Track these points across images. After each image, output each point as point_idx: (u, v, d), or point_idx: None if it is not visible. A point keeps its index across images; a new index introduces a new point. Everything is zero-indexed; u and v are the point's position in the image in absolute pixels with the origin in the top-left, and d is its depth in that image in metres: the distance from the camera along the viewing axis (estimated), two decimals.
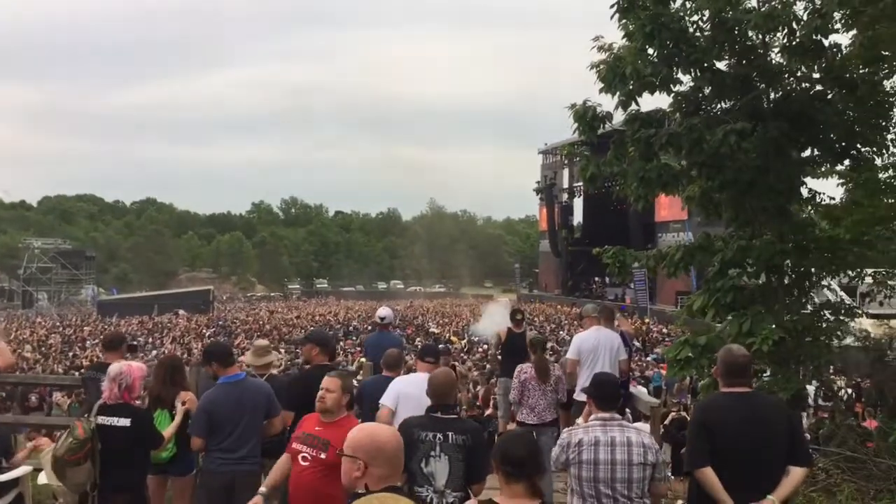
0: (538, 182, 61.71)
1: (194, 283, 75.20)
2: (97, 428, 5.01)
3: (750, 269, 8.10)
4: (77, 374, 15.57)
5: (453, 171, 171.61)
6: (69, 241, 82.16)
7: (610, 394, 4.30)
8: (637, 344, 27.23)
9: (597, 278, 52.73)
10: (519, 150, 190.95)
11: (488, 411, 12.25)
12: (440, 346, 9.89)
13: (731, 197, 8.12)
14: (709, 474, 4.09)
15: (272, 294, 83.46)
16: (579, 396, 7.63)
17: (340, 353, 27.03)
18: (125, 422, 5.04)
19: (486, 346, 20.25)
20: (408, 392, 5.41)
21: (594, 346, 7.72)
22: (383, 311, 9.13)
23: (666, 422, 13.28)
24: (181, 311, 51.35)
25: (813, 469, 6.95)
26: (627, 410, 9.82)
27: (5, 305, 61.11)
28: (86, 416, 5.15)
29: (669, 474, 6.82)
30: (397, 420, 5.40)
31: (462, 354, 24.05)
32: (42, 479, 7.34)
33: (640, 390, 13.01)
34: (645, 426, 6.45)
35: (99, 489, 5.01)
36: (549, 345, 18.68)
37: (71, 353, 30.88)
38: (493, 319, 15.27)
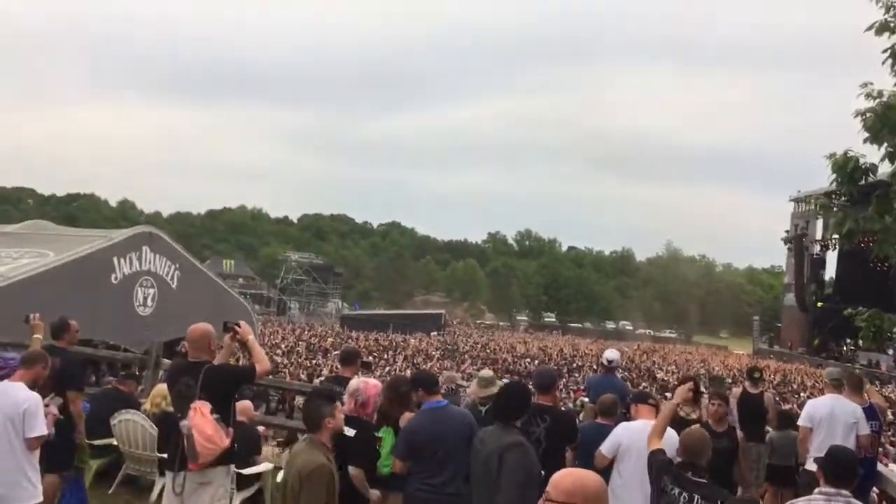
0: (787, 231, 57.99)
1: (428, 306, 78.25)
2: None
3: None
4: (318, 382, 16.82)
5: (692, 213, 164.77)
6: (321, 257, 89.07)
7: (843, 470, 3.90)
8: (891, 417, 24.49)
9: (848, 340, 48.01)
10: (766, 195, 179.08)
11: None
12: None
13: None
14: None
15: (500, 323, 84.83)
16: (810, 466, 7.02)
17: (562, 390, 26.88)
18: (351, 432, 5.33)
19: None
20: (629, 445, 5.30)
21: (828, 414, 7.08)
22: (611, 353, 8.96)
23: None
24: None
25: None
26: (874, 491, 8.90)
27: (264, 311, 66.99)
28: None
29: None
30: (617, 472, 5.32)
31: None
32: (280, 477, 8.03)
33: (893, 470, 11.69)
34: None
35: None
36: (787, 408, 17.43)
37: (314, 361, 33.40)
38: None
